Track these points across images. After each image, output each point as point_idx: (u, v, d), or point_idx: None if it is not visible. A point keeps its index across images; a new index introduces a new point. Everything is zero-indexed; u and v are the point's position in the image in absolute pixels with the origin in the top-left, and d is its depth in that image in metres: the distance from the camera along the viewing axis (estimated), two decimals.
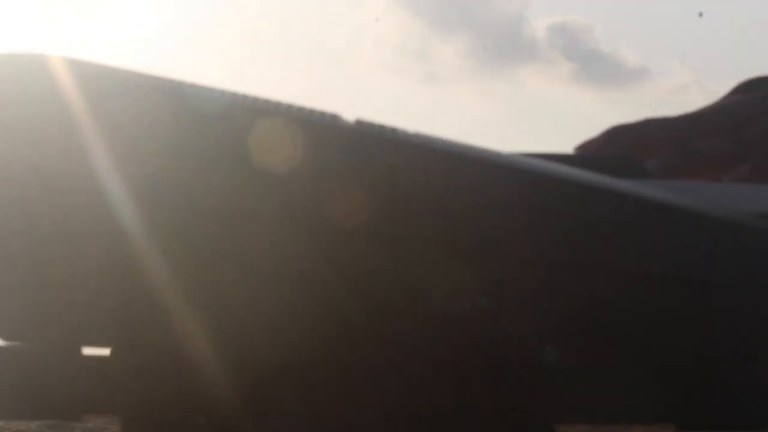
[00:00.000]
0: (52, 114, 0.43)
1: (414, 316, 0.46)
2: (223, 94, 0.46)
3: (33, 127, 0.43)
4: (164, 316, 0.47)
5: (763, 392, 0.49)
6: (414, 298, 0.45)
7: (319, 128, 0.45)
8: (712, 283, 0.45)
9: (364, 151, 0.44)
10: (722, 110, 0.63)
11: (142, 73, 0.46)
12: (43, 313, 0.50)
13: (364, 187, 0.44)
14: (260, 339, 0.48)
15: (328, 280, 0.46)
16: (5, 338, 0.53)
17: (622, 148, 0.61)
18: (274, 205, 0.45)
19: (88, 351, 0.52)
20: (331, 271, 0.45)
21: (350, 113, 0.47)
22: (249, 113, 0.44)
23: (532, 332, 0.46)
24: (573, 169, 0.46)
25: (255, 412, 0.51)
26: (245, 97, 0.46)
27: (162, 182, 0.44)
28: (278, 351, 0.48)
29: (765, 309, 0.47)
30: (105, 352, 0.52)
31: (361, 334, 0.46)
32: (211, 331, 0.48)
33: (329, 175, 0.44)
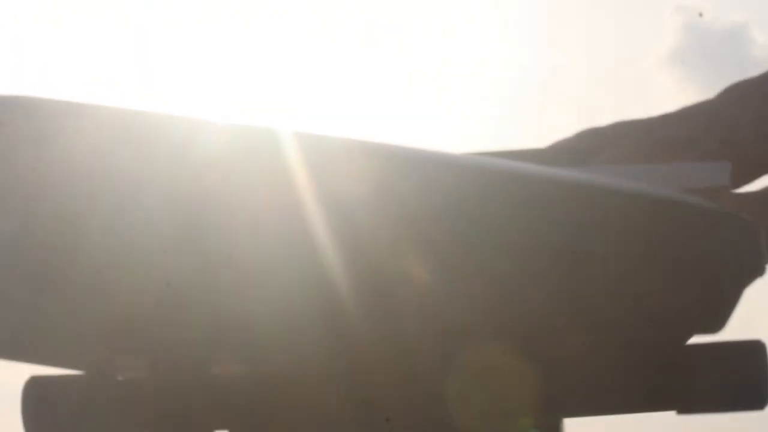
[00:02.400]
0: None
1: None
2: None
3: None
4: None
5: (758, 368, 0.52)
6: None
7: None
8: (644, 258, 0.48)
9: None
10: (689, 110, 0.64)
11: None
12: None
13: None
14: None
15: None
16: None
17: (590, 146, 0.62)
18: None
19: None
20: None
21: None
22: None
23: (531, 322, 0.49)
24: (516, 162, 0.49)
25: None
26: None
27: None
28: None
29: (708, 280, 0.49)
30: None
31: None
32: None
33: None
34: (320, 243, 0.49)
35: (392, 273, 0.50)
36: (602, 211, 0.48)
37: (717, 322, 0.50)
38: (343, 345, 0.53)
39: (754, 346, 0.53)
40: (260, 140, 0.48)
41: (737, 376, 0.53)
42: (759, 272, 0.49)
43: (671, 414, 0.55)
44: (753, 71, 0.63)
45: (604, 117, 0.65)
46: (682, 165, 0.54)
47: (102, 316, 0.52)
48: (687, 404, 0.53)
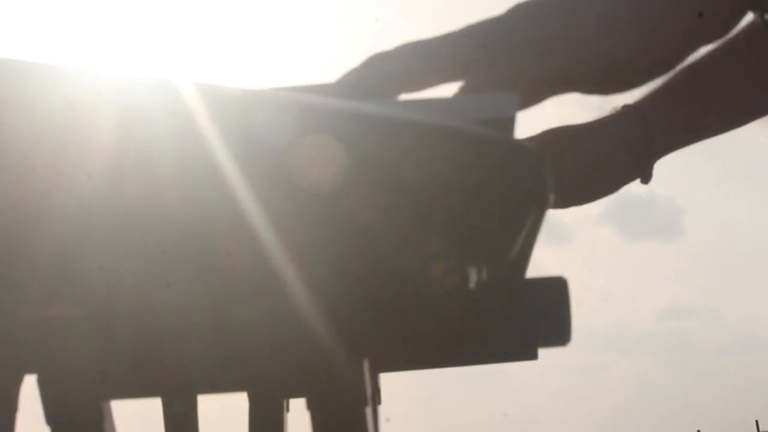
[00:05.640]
0: None
1: None
2: None
3: None
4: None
5: (560, 304, 0.51)
6: None
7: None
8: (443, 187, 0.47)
9: None
10: (473, 27, 0.63)
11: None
12: None
13: None
14: None
15: None
16: None
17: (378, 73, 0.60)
18: None
19: None
20: None
21: None
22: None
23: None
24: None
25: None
26: None
27: None
28: None
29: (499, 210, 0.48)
30: None
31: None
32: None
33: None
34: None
35: None
36: (384, 143, 0.47)
37: (500, 253, 0.49)
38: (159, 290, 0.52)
39: (556, 282, 0.52)
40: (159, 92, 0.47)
41: (540, 314, 0.52)
42: (543, 202, 0.48)
43: None
44: None
45: None
46: (469, 96, 0.53)
47: None
48: (488, 350, 0.53)
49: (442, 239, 0.47)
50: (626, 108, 0.78)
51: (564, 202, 0.77)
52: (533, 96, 0.60)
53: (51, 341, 0.54)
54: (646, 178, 0.79)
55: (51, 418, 0.55)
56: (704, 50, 0.70)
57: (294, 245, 0.49)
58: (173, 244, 0.50)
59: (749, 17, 0.69)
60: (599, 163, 0.76)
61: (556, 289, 0.52)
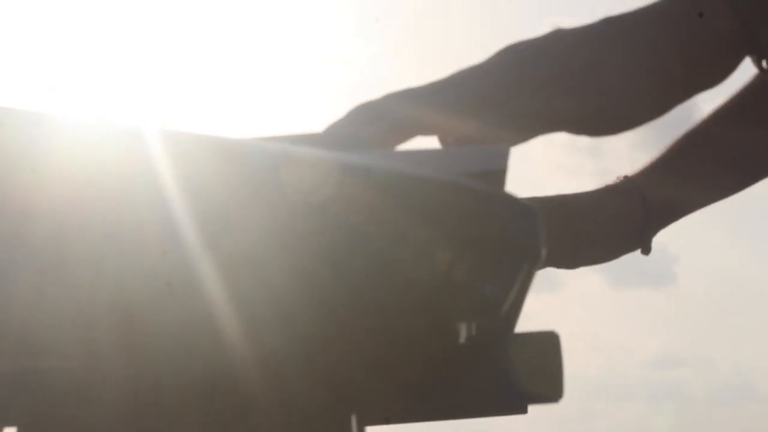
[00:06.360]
0: None
1: None
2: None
3: None
4: None
5: (552, 359, 0.50)
6: None
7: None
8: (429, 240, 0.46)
9: None
10: (459, 75, 0.62)
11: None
12: None
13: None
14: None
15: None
16: None
17: (360, 121, 0.59)
18: None
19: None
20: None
21: None
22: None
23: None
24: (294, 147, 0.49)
25: None
26: None
27: None
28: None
29: (488, 265, 0.47)
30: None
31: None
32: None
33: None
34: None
35: None
36: (374, 195, 0.46)
37: (492, 307, 0.48)
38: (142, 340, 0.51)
39: (548, 337, 0.52)
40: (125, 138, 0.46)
41: (531, 369, 0.51)
42: (535, 257, 0.48)
43: None
44: None
45: None
46: (460, 149, 0.52)
47: None
48: (476, 404, 0.52)
49: (431, 293, 0.47)
50: (624, 182, 0.78)
51: (559, 265, 0.77)
52: (523, 134, 0.60)
53: (31, 392, 0.53)
54: (646, 250, 0.79)
55: None
56: (701, 98, 0.70)
57: (280, 296, 0.48)
58: (152, 299, 0.49)
59: (747, 66, 0.69)
60: (598, 236, 0.76)
61: (547, 344, 0.51)
